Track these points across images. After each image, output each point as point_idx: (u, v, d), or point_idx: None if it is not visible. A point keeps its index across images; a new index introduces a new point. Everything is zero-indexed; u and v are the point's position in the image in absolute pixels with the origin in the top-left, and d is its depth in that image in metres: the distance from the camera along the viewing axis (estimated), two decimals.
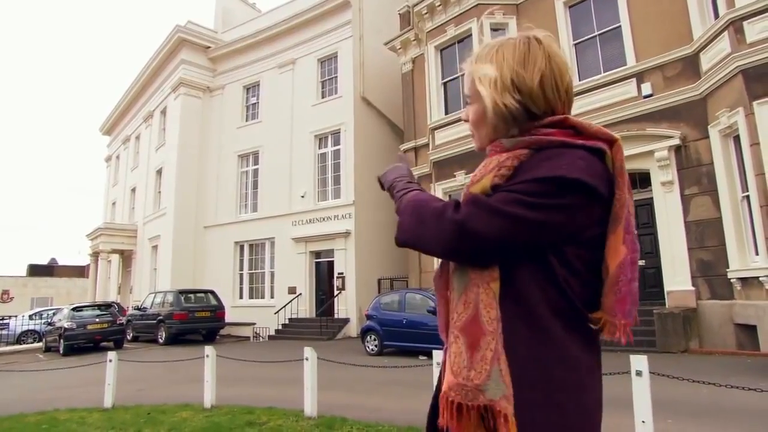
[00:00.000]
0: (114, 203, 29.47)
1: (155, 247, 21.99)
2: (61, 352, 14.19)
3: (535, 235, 0.92)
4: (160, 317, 15.92)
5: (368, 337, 11.30)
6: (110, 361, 6.67)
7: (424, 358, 9.46)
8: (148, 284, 21.99)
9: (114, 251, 24.41)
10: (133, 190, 26.08)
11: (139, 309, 17.63)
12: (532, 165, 0.97)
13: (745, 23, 8.66)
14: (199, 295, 16.91)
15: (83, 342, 14.45)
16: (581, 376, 0.94)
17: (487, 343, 0.93)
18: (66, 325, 14.30)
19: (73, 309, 15.21)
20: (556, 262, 0.94)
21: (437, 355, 4.44)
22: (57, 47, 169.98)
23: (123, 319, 16.25)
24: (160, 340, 15.74)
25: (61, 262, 46.07)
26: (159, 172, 22.67)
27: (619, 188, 0.98)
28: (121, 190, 28.13)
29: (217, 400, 6.18)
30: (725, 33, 8.98)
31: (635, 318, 1.00)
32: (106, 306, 16.24)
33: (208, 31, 22.08)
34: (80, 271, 41.14)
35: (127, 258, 25.61)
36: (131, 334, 17.09)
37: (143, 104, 25.69)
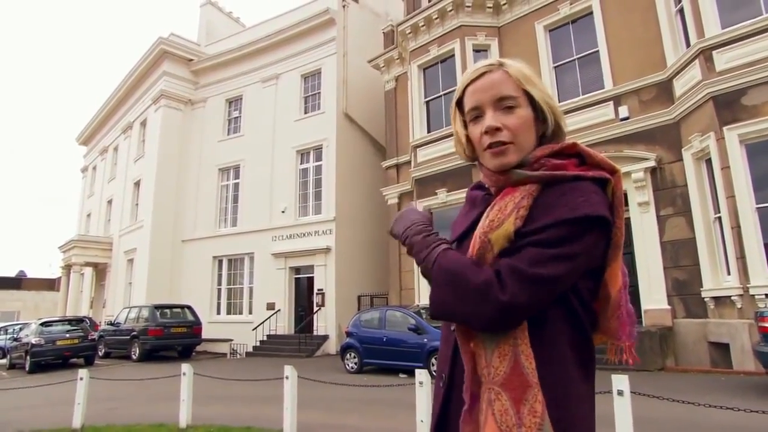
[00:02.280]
0: (89, 215, 28.78)
1: (131, 261, 21.51)
2: (27, 369, 13.65)
3: (569, 284, 0.93)
4: (134, 333, 15.49)
5: (348, 354, 11.18)
6: (81, 378, 6.44)
7: (405, 376, 9.40)
8: (122, 298, 21.42)
9: (87, 264, 23.76)
10: (110, 201, 25.54)
11: (112, 324, 17.13)
12: (549, 203, 0.95)
13: (714, 52, 9.04)
14: (175, 310, 16.52)
15: (51, 359, 13.94)
16: (593, 407, 0.97)
17: (534, 395, 0.90)
18: (33, 340, 13.79)
19: (42, 324, 14.69)
20: (574, 298, 0.95)
21: (419, 373, 4.42)
22: (34, 54, 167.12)
23: (95, 335, 15.74)
24: (134, 357, 15.29)
25: (30, 274, 44.62)
26: (137, 184, 22.28)
27: (619, 217, 0.99)
28: (96, 202, 27.52)
29: (193, 420, 6.01)
30: (696, 61, 9.34)
31: (636, 337, 1.04)
32: (77, 321, 15.74)
33: (191, 43, 22.01)
34: (50, 284, 39.86)
35: (101, 271, 24.95)
36: (103, 350, 16.56)
37: (123, 115, 25.33)
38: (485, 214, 1.02)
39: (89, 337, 14.81)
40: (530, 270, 0.89)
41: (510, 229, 0.95)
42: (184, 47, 21.49)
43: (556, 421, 0.89)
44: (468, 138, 1.09)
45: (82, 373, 6.54)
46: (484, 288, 0.90)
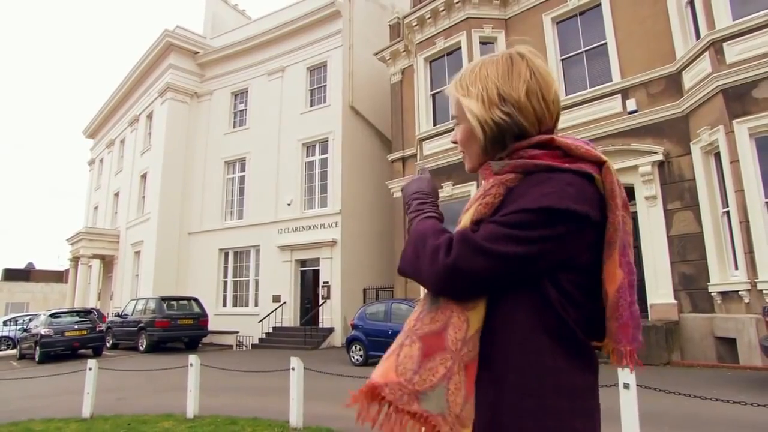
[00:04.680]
0: (96, 207, 28.97)
1: (138, 253, 21.65)
2: (37, 359, 13.82)
3: (525, 269, 0.92)
4: (142, 324, 15.63)
5: (353, 347, 11.23)
6: (90, 369, 6.52)
7: None
8: (129, 290, 21.61)
9: (95, 256, 23.95)
10: (117, 194, 25.69)
11: (119, 316, 17.29)
12: (520, 192, 0.95)
13: (724, 44, 8.92)
14: (182, 302, 16.65)
15: (60, 349, 14.10)
16: (574, 402, 0.93)
17: (444, 359, 0.92)
18: (43, 331, 13.94)
19: (51, 315, 14.87)
20: (551, 288, 0.93)
21: None
22: (40, 48, 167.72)
23: (103, 326, 15.91)
24: (141, 348, 15.44)
25: (39, 266, 45.04)
26: (143, 176, 22.38)
27: (612, 212, 0.96)
28: (103, 194, 27.68)
29: (200, 410, 6.07)
30: (706, 53, 9.23)
31: (640, 342, 0.99)
32: (85, 312, 15.91)
33: (196, 36, 21.99)
34: (58, 276, 40.24)
35: (108, 263, 25.15)
36: (111, 342, 16.74)
37: (129, 108, 25.41)
38: None
39: (97, 329, 14.97)
40: (480, 242, 0.92)
41: (470, 213, 0.99)
42: (190, 40, 21.48)
43: (527, 410, 0.89)
44: None
45: (91, 363, 6.62)
46: (435, 249, 0.95)
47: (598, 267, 0.97)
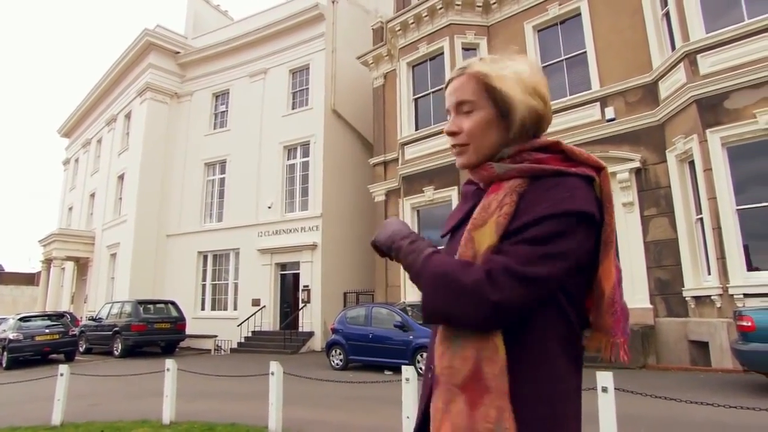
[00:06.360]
0: (71, 208, 28.26)
1: (114, 255, 21.18)
2: (4, 365, 13.37)
3: (563, 282, 0.93)
4: (117, 328, 15.28)
5: (333, 351, 11.16)
6: (61, 374, 6.33)
7: (390, 373, 9.42)
8: (104, 294, 21.09)
9: (69, 258, 23.34)
10: (92, 195, 25.10)
11: (93, 319, 16.87)
12: (533, 199, 0.94)
13: (698, 56, 9.18)
14: (159, 305, 16.33)
15: (30, 354, 13.67)
16: (578, 405, 0.97)
17: (491, 400, 0.89)
18: (11, 336, 13.49)
19: (20, 319, 14.38)
20: (561, 295, 0.95)
21: (405, 370, 4.42)
22: (15, 44, 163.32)
23: (76, 330, 15.48)
24: (116, 353, 15.08)
25: (8, 268, 43.71)
26: (121, 177, 21.93)
27: (608, 213, 0.99)
28: (79, 195, 27.02)
29: (176, 416, 5.95)
30: (681, 64, 9.48)
31: (629, 333, 1.03)
32: (57, 316, 15.45)
33: (177, 36, 21.70)
34: (29, 279, 39.09)
35: (82, 266, 24.54)
36: (84, 346, 16.31)
37: (106, 107, 24.89)
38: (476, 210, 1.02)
39: (70, 333, 14.55)
40: (522, 269, 0.87)
41: (493, 228, 0.94)
42: (171, 39, 21.19)
43: (542, 418, 0.90)
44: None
45: (63, 369, 6.43)
46: (476, 288, 0.88)
47: (594, 266, 0.99)
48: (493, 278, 0.88)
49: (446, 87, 1.10)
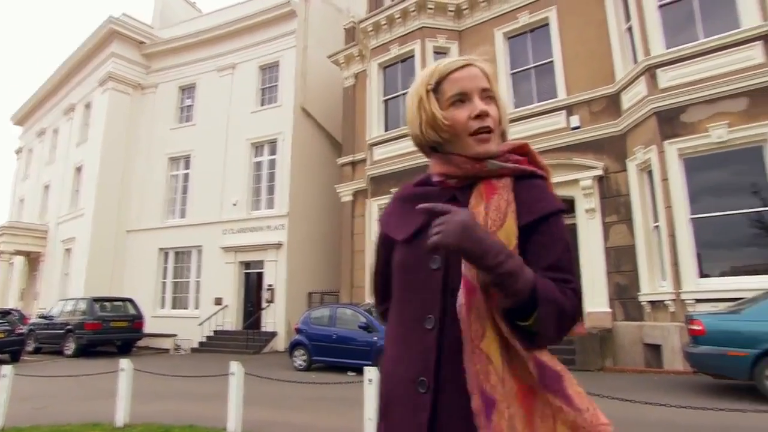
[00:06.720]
0: (22, 200, 26.95)
1: (69, 251, 20.30)
2: None
3: None
4: (70, 327, 14.62)
5: (296, 351, 11.03)
6: (4, 375, 5.97)
7: (353, 374, 9.37)
8: (57, 291, 20.17)
9: (18, 252, 22.22)
10: (47, 187, 24.00)
11: (44, 317, 16.10)
12: (523, 199, 1.01)
13: (658, 70, 9.55)
14: (116, 303, 15.75)
15: None
16: None
17: (544, 401, 0.97)
18: None
19: None
20: None
21: (367, 371, 4.39)
22: None
23: (23, 329, 14.73)
24: (68, 352, 14.44)
25: None
26: (79, 169, 21.05)
27: None
28: (32, 186, 25.79)
29: (131, 418, 5.72)
30: (642, 77, 9.83)
31: None
32: (3, 313, 14.68)
33: (143, 25, 21.04)
34: None
35: (33, 261, 23.42)
36: (33, 345, 15.54)
37: (65, 96, 23.86)
38: (480, 212, 0.99)
39: (16, 331, 13.78)
40: (576, 283, 0.99)
41: (513, 225, 0.98)
42: (136, 29, 20.52)
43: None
44: (442, 123, 1.05)
45: (6, 370, 6.07)
46: (575, 314, 0.97)
47: None
48: (578, 300, 0.98)
49: (459, 69, 1.07)
